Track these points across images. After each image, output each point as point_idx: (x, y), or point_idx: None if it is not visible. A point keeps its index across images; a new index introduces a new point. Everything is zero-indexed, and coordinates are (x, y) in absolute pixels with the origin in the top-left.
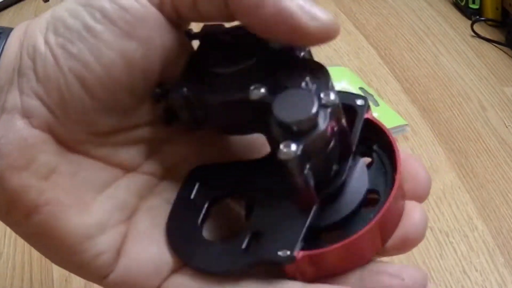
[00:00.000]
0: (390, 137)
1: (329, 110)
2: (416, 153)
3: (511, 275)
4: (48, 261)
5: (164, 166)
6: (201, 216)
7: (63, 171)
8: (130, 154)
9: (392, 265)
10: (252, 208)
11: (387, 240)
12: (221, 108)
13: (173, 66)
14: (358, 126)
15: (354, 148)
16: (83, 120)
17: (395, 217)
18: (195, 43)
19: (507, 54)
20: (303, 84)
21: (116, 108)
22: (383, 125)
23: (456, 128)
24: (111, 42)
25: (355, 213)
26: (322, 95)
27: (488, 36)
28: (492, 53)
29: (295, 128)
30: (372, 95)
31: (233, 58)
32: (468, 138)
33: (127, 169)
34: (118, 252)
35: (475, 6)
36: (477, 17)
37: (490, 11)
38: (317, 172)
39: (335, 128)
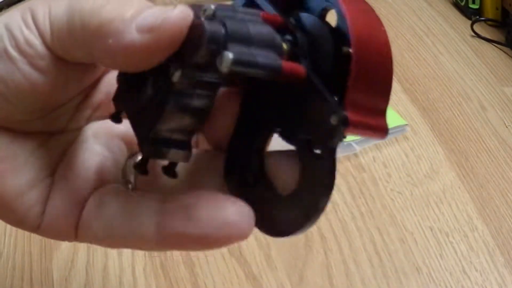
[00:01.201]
0: None
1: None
2: (416, 153)
3: (511, 275)
4: (48, 261)
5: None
6: None
7: (1, 144)
8: (56, 122)
9: None
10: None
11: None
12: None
13: (69, 86)
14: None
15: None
16: (9, 117)
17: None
18: None
19: (507, 54)
20: None
21: (32, 110)
22: None
23: (456, 128)
24: (20, 67)
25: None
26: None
27: (488, 36)
28: (492, 53)
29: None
30: None
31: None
32: (468, 138)
33: (55, 132)
34: (44, 203)
35: (475, 6)
36: (477, 17)
37: (490, 11)
38: (269, 44)
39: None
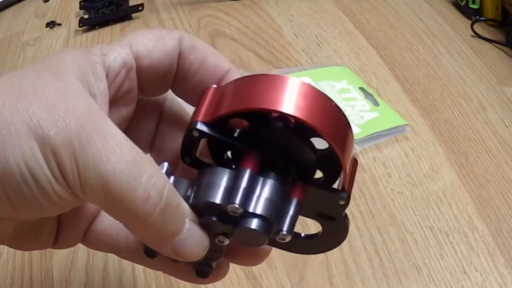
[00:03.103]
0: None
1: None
2: (416, 153)
3: (511, 275)
4: (48, 261)
5: None
6: None
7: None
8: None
9: None
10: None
11: None
12: None
13: None
14: None
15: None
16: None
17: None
18: None
19: (507, 54)
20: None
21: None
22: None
23: (456, 128)
24: (50, 211)
25: None
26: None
27: (488, 36)
28: (492, 53)
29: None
30: (372, 95)
31: None
32: (468, 138)
33: None
34: (55, 237)
35: (475, 6)
36: (477, 17)
37: (490, 11)
38: None
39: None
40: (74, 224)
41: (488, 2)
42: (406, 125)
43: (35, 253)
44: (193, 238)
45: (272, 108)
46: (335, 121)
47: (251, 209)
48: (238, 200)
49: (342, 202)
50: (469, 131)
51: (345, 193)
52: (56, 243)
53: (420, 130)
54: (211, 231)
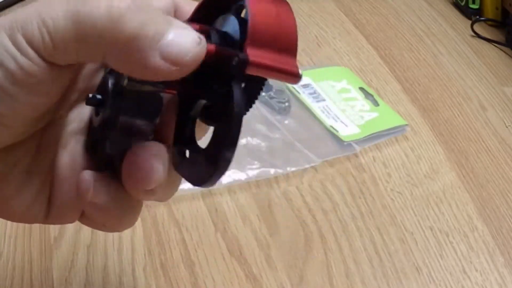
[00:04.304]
0: None
1: None
2: (416, 153)
3: (511, 275)
4: (48, 261)
5: None
6: None
7: (6, 175)
8: (44, 119)
9: None
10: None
11: None
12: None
13: (62, 88)
14: None
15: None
16: (8, 139)
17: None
18: None
19: (507, 54)
20: None
21: (32, 124)
22: None
23: (456, 128)
24: (20, 99)
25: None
26: None
27: (488, 36)
28: (492, 53)
29: None
30: (372, 95)
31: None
32: (468, 138)
33: (43, 127)
34: (48, 203)
35: (475, 6)
36: (477, 17)
37: (490, 11)
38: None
39: None
40: (70, 185)
41: (488, 2)
42: (406, 125)
43: (35, 253)
44: (182, 36)
45: None
46: None
47: None
48: None
49: (235, 62)
50: (469, 131)
51: (242, 53)
52: (50, 213)
53: (420, 130)
54: None
